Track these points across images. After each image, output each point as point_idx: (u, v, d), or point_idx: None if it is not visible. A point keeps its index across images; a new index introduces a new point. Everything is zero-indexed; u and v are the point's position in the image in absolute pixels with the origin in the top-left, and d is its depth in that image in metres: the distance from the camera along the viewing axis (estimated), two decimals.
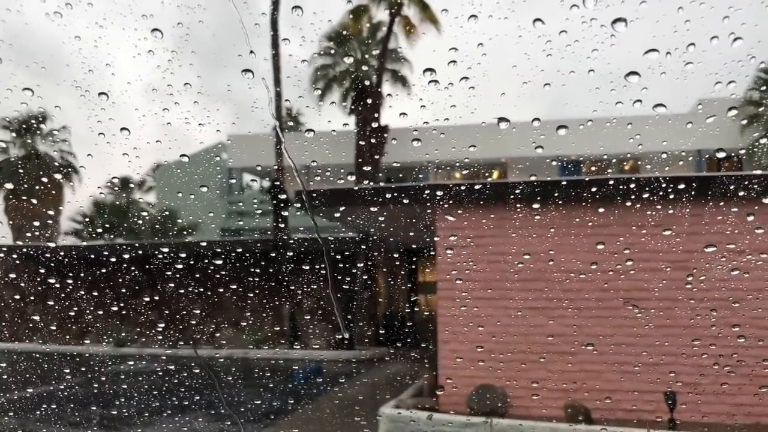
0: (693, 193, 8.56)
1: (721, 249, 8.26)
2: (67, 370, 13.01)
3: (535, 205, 9.85)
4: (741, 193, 8.26)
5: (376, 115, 23.82)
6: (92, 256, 18.06)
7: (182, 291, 17.43)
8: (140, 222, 30.83)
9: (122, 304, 17.76)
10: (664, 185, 8.59)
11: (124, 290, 17.29)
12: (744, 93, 23.20)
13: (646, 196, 8.70)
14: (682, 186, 8.56)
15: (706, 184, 8.77)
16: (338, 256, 18.22)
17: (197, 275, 17.41)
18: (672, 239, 8.79)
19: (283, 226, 20.20)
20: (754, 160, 22.50)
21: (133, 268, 16.88)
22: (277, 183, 21.24)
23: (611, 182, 9.42)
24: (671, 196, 8.71)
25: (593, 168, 23.41)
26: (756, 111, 23.16)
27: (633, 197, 8.78)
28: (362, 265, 18.76)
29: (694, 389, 8.51)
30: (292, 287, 18.46)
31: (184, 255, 17.94)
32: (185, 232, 28.13)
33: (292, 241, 19.33)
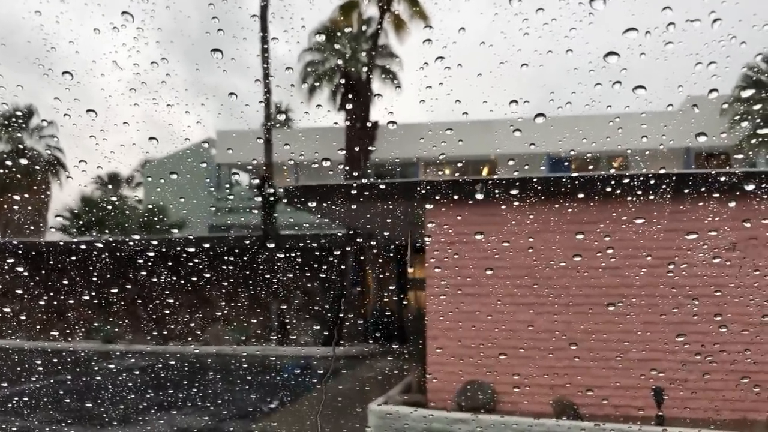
0: (691, 188, 8.57)
1: (703, 237, 8.31)
2: (55, 367, 12.92)
3: (524, 202, 9.85)
4: (720, 187, 8.35)
5: (365, 111, 23.78)
6: (79, 252, 17.93)
7: (168, 287, 17.35)
8: (127, 218, 30.65)
9: (108, 301, 17.66)
10: (649, 181, 8.63)
11: (110, 286, 17.19)
12: (732, 90, 23.37)
13: (632, 192, 8.74)
14: (666, 181, 8.60)
15: (692, 180, 8.84)
16: (326, 253, 18.19)
17: (184, 272, 17.33)
18: (656, 235, 8.84)
19: (271, 222, 20.14)
20: (742, 156, 22.64)
21: (119, 265, 16.78)
22: (266, 179, 21.16)
23: (598, 178, 9.46)
24: (653, 193, 8.76)
25: (582, 164, 23.49)
26: (745, 108, 23.34)
27: (619, 193, 8.82)
28: (351, 261, 18.74)
29: (681, 384, 8.56)
30: (280, 284, 18.41)
31: (170, 251, 17.84)
32: (172, 228, 28.01)
33: (280, 237, 19.28)
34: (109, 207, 31.80)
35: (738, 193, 8.31)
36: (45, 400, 9.09)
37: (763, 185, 8.05)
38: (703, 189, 8.56)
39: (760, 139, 21.98)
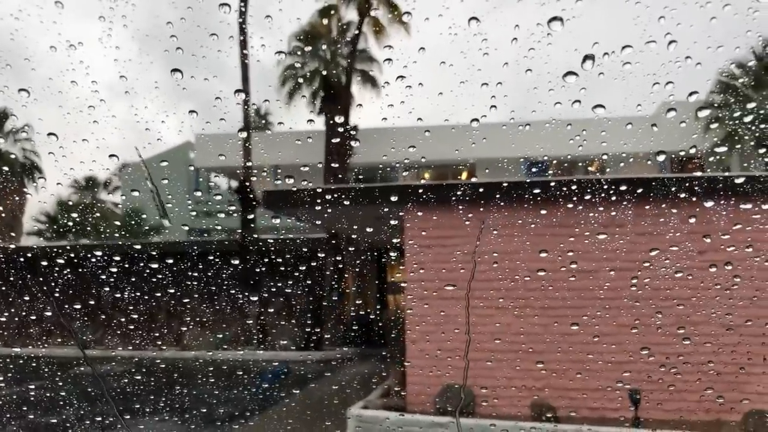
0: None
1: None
2: (28, 372, 12.76)
3: (502, 205, 9.92)
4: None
5: (344, 115, 23.79)
6: (54, 257, 17.75)
7: (145, 292, 17.22)
8: (105, 222, 30.36)
9: (84, 305, 17.49)
10: (628, 187, 8.75)
11: (86, 291, 17.03)
12: (706, 96, 23.72)
13: (606, 197, 8.86)
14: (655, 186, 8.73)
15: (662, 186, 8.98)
16: (306, 256, 18.17)
17: (161, 276, 17.22)
18: (635, 239, 8.96)
19: (250, 226, 20.07)
20: (716, 163, 23.01)
21: (95, 269, 16.63)
22: (245, 183, 21.09)
23: (580, 183, 9.56)
24: (631, 198, 8.89)
25: (560, 169, 23.68)
26: (718, 114, 23.71)
27: (596, 198, 8.92)
28: (330, 265, 18.73)
29: (658, 387, 8.67)
30: (259, 288, 18.35)
31: (148, 255, 17.71)
32: (150, 232, 27.81)
33: (259, 241, 19.22)
34: (86, 211, 31.48)
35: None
36: (24, 407, 8.97)
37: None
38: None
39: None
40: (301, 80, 25.21)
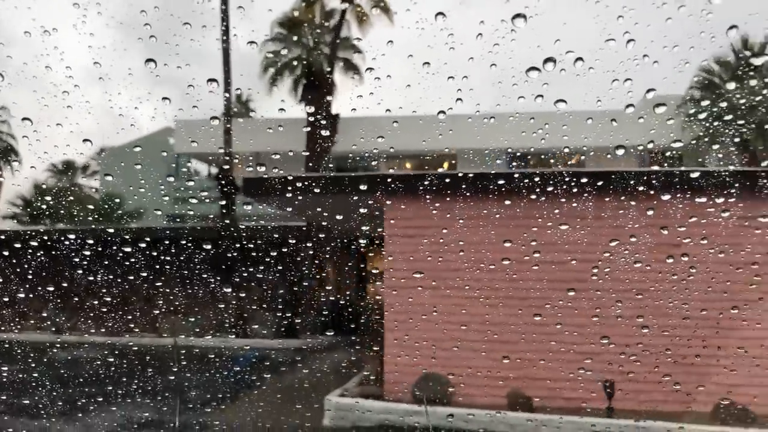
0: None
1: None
2: (6, 356, 12.64)
3: (481, 197, 9.97)
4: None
5: (327, 103, 23.72)
6: (30, 241, 17.54)
7: (123, 277, 17.09)
8: (83, 207, 30.06)
9: (60, 290, 17.33)
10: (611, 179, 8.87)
11: (62, 276, 16.86)
12: (685, 92, 23.99)
13: (580, 190, 8.99)
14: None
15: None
16: (285, 245, 18.12)
17: (139, 262, 17.09)
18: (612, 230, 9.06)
19: (230, 213, 19.97)
20: (693, 158, 23.33)
21: (72, 254, 16.47)
22: (225, 170, 20.96)
23: (556, 175, 9.62)
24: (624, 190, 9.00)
25: (540, 161, 23.81)
26: (696, 109, 23.99)
27: (569, 189, 9.01)
28: (310, 253, 18.71)
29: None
30: (239, 275, 18.29)
31: (127, 241, 17.58)
32: (129, 218, 27.58)
33: (239, 229, 19.13)
34: (62, 196, 31.13)
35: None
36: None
37: (680, 193, 8.44)
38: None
39: (711, 141, 22.63)
40: (282, 68, 25.06)
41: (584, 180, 8.91)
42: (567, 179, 8.66)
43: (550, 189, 9.01)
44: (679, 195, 8.37)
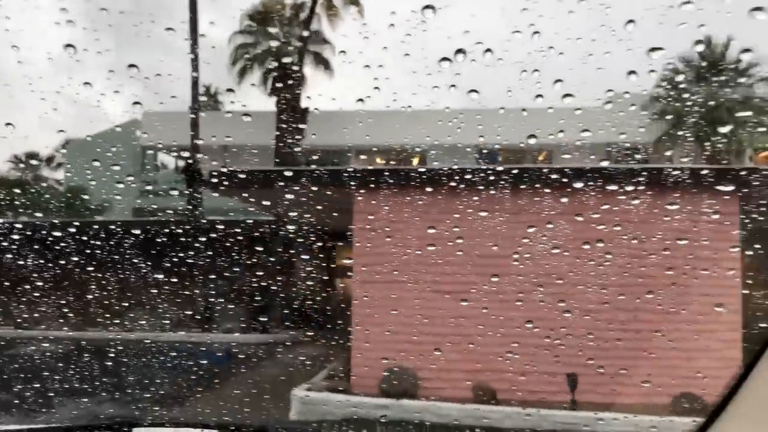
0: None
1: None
2: None
3: (449, 191, 10.03)
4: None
5: (296, 96, 23.61)
6: None
7: (88, 272, 16.85)
8: (47, 199, 29.55)
9: (24, 284, 17.03)
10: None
11: (25, 270, 16.58)
12: (651, 89, 24.36)
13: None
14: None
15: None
16: (253, 239, 18.03)
17: (105, 256, 16.86)
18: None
19: (197, 207, 19.79)
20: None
21: (35, 247, 16.19)
22: (192, 163, 20.75)
23: (529, 170, 9.75)
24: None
25: (510, 157, 23.95)
26: (662, 107, 24.43)
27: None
28: (278, 248, 18.63)
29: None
30: (206, 270, 18.15)
31: (92, 234, 17.32)
32: (95, 211, 27.16)
33: (206, 223, 18.97)
34: (27, 188, 30.54)
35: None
36: None
37: (592, 182, 8.72)
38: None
39: (674, 136, 23.10)
40: (252, 60, 24.89)
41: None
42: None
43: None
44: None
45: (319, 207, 12.79)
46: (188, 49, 19.41)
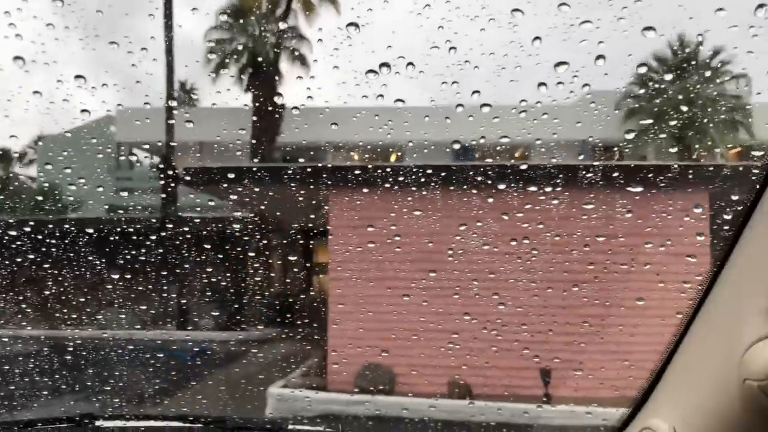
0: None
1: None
2: None
3: (425, 188, 10.09)
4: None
5: (272, 92, 23.53)
6: None
7: (61, 270, 16.67)
8: (19, 197, 29.14)
9: None
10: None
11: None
12: (626, 86, 24.69)
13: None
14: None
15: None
16: (229, 236, 17.96)
17: (78, 254, 16.69)
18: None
19: (172, 204, 19.64)
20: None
21: (6, 246, 15.99)
22: (167, 159, 20.60)
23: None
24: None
25: (487, 154, 24.08)
26: (637, 104, 24.82)
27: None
28: (254, 245, 18.57)
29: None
30: (181, 267, 18.04)
31: (65, 232, 17.14)
32: (68, 209, 26.84)
33: (180, 220, 18.84)
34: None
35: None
36: None
37: (513, 183, 9.26)
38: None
39: (649, 134, 23.45)
40: (228, 55, 24.74)
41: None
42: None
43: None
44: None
45: (295, 203, 12.77)
46: (163, 45, 19.23)
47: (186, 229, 18.03)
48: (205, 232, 17.94)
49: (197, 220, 18.48)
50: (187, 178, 12.71)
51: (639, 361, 8.15)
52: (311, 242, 20.55)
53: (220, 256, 18.05)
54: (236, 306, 18.47)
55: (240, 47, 24.47)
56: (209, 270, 18.50)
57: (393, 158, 23.25)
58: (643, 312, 8.49)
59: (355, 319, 10.26)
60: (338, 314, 10.54)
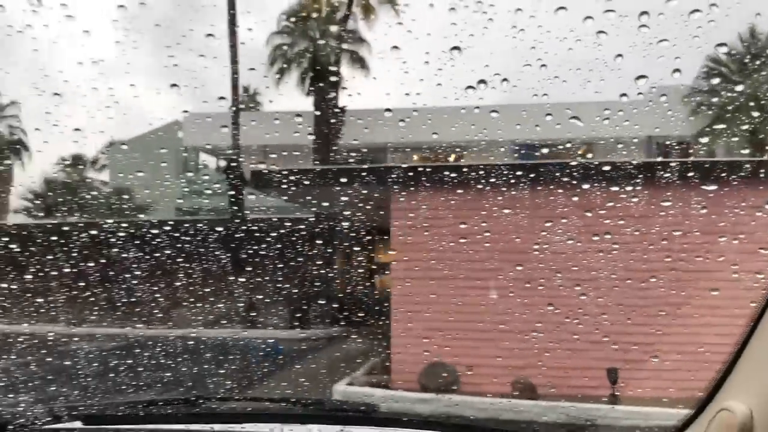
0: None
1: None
2: (27, 348, 12.84)
3: (489, 187, 10.07)
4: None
5: (333, 95, 23.80)
6: (42, 235, 17.74)
7: (133, 271, 17.28)
8: (93, 200, 30.30)
9: (73, 284, 17.52)
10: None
11: (73, 270, 17.07)
12: (693, 81, 23.99)
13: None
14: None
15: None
16: (294, 237, 18.26)
17: (150, 255, 17.26)
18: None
19: (239, 206, 20.12)
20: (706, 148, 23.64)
21: (83, 248, 16.67)
22: (234, 163, 21.10)
23: (568, 167, 9.83)
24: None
25: (554, 152, 23.80)
26: (705, 99, 24.07)
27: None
28: (319, 245, 18.84)
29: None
30: (248, 267, 18.44)
31: (136, 234, 17.75)
32: (138, 211, 27.79)
33: (247, 221, 19.26)
34: (74, 189, 31.36)
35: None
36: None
37: (597, 183, 9.73)
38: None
39: (718, 130, 22.72)
40: (290, 60, 25.14)
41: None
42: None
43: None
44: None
45: (359, 204, 12.93)
46: (227, 51, 19.73)
47: (252, 231, 18.44)
48: (270, 234, 18.31)
49: (263, 222, 18.87)
50: (254, 180, 13.01)
51: (714, 353, 8.00)
52: (375, 241, 20.70)
53: (286, 257, 18.37)
54: (303, 305, 18.78)
55: (306, 51, 24.85)
56: (275, 271, 18.86)
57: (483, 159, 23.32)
58: (717, 302, 8.61)
59: (418, 317, 10.32)
60: (401, 312, 10.62)
